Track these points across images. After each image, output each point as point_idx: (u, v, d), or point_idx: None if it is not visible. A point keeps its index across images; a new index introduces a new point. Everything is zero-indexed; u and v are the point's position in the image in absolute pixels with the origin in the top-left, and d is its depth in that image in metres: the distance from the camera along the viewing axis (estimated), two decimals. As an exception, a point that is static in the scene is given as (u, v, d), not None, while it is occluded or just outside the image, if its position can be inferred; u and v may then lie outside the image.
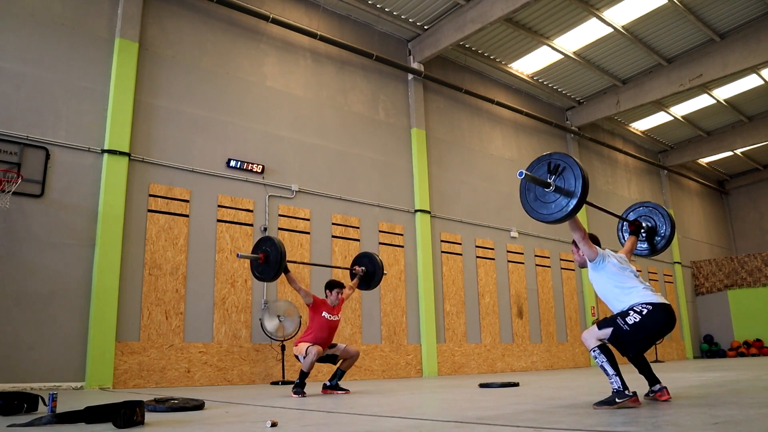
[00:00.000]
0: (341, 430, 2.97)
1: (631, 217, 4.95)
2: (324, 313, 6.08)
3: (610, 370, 3.72)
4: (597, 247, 4.15)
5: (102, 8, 8.28)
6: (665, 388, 4.08)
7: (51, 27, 7.80)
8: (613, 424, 2.87)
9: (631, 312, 3.81)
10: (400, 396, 5.51)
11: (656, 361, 16.01)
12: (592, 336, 3.87)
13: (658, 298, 3.87)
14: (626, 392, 3.65)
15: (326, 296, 6.22)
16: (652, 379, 4.12)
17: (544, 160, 3.87)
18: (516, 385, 6.60)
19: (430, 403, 4.74)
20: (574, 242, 4.26)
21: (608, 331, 3.83)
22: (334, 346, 6.26)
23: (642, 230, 4.78)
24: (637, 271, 4.21)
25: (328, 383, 6.24)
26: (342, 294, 6.30)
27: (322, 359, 6.13)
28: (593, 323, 4.49)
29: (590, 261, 4.13)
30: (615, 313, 3.96)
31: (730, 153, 19.83)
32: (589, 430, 2.68)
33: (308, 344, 5.89)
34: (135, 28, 8.38)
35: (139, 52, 8.40)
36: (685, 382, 6.04)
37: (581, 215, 15.35)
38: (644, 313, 3.78)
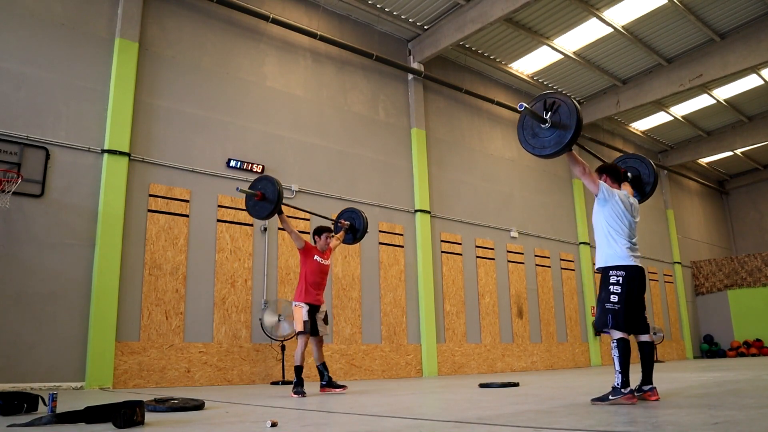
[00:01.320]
0: (341, 430, 2.97)
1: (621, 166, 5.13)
2: (316, 257, 6.32)
3: (618, 366, 3.92)
4: (602, 183, 4.30)
5: (102, 8, 8.28)
6: (655, 388, 4.21)
7: (51, 27, 7.80)
8: (613, 424, 2.87)
9: (610, 287, 4.09)
10: (400, 396, 5.51)
11: (656, 360, 16.03)
12: (617, 330, 4.06)
13: (633, 260, 4.15)
14: (623, 390, 3.80)
15: (315, 242, 6.46)
16: (647, 379, 4.25)
17: (540, 98, 4.03)
18: (516, 385, 6.60)
19: (430, 403, 4.74)
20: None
21: (609, 318, 4.04)
22: (324, 323, 6.30)
23: (628, 179, 4.99)
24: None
25: (323, 382, 6.31)
26: (330, 239, 6.48)
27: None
28: (593, 324, 4.60)
29: (595, 195, 4.29)
30: (597, 255, 4.33)
31: (730, 153, 19.83)
32: (589, 430, 2.68)
33: (303, 312, 6.05)
34: (135, 28, 8.38)
35: (139, 52, 8.40)
36: (685, 382, 6.04)
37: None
38: (620, 281, 4.08)
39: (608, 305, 4.07)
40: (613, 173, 4.53)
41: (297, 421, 3.49)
